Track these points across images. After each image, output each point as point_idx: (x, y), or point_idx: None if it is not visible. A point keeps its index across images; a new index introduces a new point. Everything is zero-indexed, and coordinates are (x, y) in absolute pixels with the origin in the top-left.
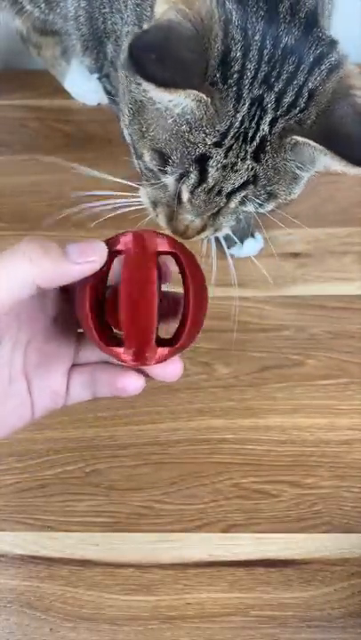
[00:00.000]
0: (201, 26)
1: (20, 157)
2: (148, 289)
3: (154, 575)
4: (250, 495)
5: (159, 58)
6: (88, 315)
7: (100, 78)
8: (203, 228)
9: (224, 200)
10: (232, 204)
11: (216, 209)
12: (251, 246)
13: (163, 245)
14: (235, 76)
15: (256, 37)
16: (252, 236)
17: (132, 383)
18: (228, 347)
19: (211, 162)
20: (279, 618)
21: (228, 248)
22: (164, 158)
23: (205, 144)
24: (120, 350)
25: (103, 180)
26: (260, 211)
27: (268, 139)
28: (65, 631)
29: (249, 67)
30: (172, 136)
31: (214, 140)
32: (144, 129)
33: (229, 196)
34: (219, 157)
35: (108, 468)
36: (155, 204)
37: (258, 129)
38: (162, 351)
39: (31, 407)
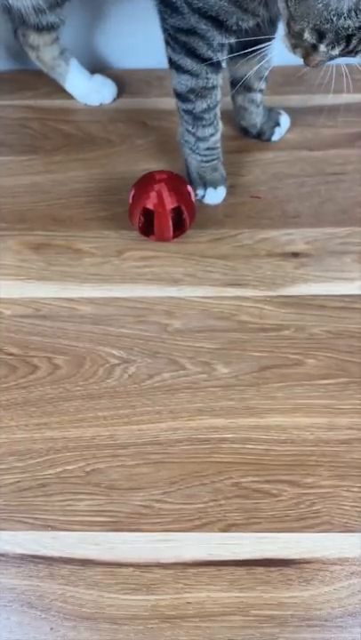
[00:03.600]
0: None
1: (20, 157)
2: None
3: (154, 574)
4: (250, 495)
5: None
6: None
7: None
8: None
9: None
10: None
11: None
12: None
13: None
14: None
15: None
16: (278, 124)
17: None
18: (228, 347)
19: (354, 38)
20: (279, 617)
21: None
22: (322, 35)
23: (355, 28)
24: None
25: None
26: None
27: None
28: (65, 630)
29: None
30: (333, 25)
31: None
32: (308, 15)
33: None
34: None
35: (108, 467)
36: (294, 48)
37: None
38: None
39: None
